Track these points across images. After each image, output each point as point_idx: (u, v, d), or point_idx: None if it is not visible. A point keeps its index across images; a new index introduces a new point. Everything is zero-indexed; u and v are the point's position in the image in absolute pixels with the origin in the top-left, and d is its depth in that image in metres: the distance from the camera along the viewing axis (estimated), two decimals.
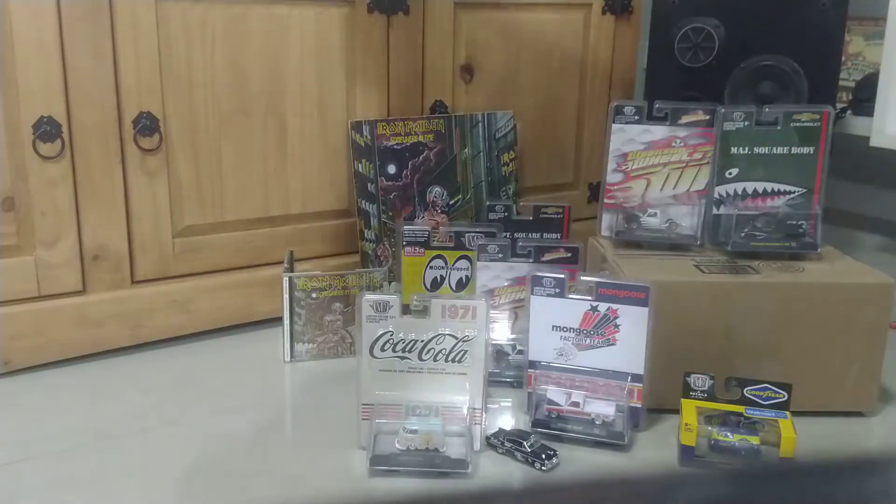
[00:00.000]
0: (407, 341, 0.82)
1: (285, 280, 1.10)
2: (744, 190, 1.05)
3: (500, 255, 1.05)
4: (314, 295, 1.11)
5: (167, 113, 1.10)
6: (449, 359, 0.83)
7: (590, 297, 0.91)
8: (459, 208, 1.35)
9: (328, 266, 1.25)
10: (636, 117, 1.08)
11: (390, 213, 1.29)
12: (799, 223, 1.02)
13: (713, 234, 1.07)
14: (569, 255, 1.04)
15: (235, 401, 0.99)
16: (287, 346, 1.11)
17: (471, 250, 1.12)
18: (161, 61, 1.08)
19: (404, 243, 1.13)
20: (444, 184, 1.34)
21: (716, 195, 1.06)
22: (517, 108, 1.42)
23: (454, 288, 1.15)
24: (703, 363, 0.92)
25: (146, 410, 0.97)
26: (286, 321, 1.10)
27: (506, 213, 1.28)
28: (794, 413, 0.88)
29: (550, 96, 1.47)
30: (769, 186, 1.04)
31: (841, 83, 1.96)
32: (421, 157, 1.31)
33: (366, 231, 1.27)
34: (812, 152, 1.03)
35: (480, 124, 1.37)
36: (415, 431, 0.81)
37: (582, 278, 0.92)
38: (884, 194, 1.99)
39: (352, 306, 1.11)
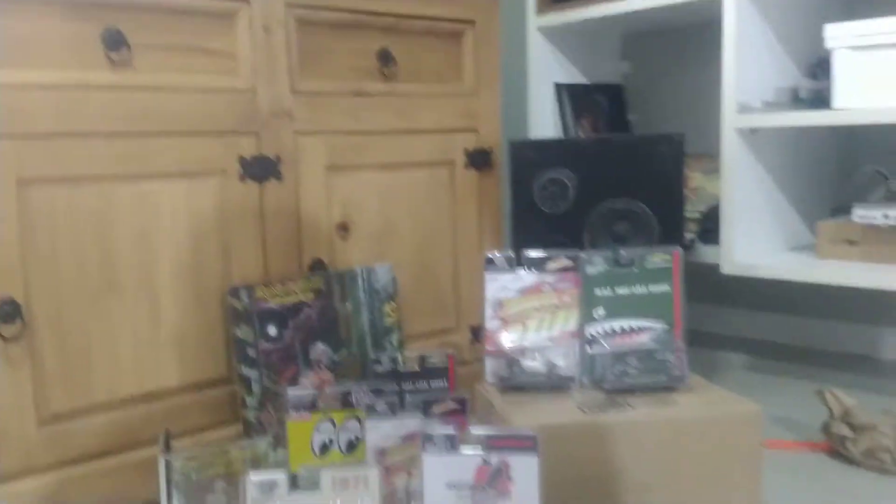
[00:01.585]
0: None
1: (161, 463, 1.04)
2: (612, 328, 1.11)
3: (390, 413, 1.05)
4: (194, 476, 1.05)
5: (30, 296, 1.06)
6: None
7: (481, 451, 0.91)
8: (345, 363, 1.35)
9: (209, 439, 1.20)
10: (507, 266, 1.14)
11: (273, 376, 1.26)
12: (665, 358, 1.08)
13: (590, 372, 1.11)
14: (457, 406, 1.05)
15: None
16: None
17: (359, 409, 1.11)
18: (23, 246, 1.05)
19: (290, 407, 1.11)
20: (327, 340, 1.33)
21: (588, 335, 1.11)
22: (395, 259, 1.46)
23: (344, 450, 1.12)
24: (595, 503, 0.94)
25: None
26: None
27: (392, 366, 1.28)
28: None
29: (426, 247, 1.52)
30: (634, 323, 1.11)
31: (687, 215, 2.15)
32: (302, 316, 1.31)
33: (247, 398, 1.24)
34: (668, 289, 1.11)
35: (360, 278, 1.39)
36: None
37: (472, 431, 0.93)
38: (741, 314, 2.14)
39: (235, 483, 1.06)
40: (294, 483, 0.80)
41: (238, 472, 1.07)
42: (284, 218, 1.32)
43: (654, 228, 1.49)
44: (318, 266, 1.36)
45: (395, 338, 1.43)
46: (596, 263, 1.11)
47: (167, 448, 1.11)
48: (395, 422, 1.05)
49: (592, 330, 1.11)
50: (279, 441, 1.14)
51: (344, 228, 1.40)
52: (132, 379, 1.15)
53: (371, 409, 1.04)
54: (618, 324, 1.11)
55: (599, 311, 1.11)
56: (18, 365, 1.04)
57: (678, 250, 1.11)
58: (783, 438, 1.36)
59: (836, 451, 1.28)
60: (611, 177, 1.51)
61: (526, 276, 1.14)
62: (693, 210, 2.09)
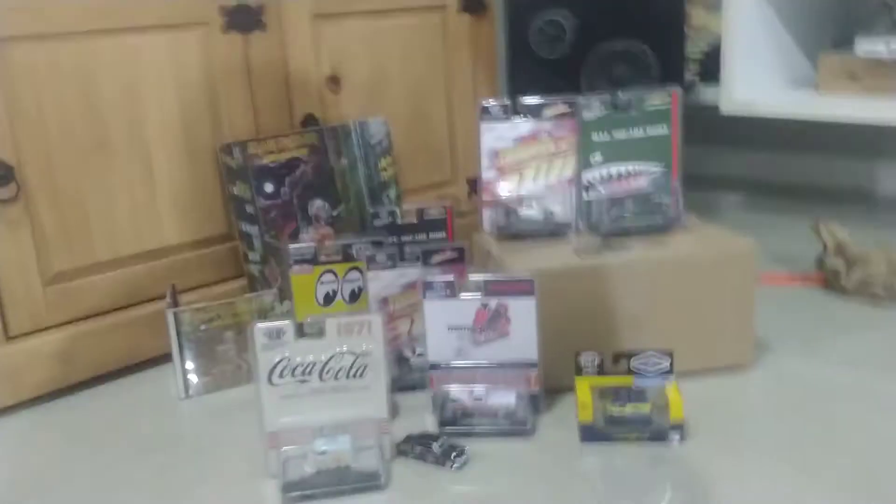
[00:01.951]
0: (305, 364, 0.82)
1: (170, 316, 1.07)
2: (608, 173, 1.11)
3: (390, 264, 1.06)
4: (203, 327, 1.09)
5: (21, 158, 1.05)
6: (350, 375, 0.83)
7: (480, 295, 0.94)
8: (344, 218, 1.35)
9: (215, 294, 1.23)
10: (503, 115, 1.12)
11: (273, 232, 1.27)
12: (662, 200, 1.09)
13: (587, 218, 1.12)
14: (456, 255, 1.07)
15: (132, 447, 0.96)
16: (181, 382, 1.08)
17: (360, 261, 1.13)
18: (8, 107, 1.03)
19: (291, 262, 1.12)
20: (325, 196, 1.33)
21: (584, 181, 1.11)
22: (388, 113, 1.43)
23: (347, 300, 1.15)
24: (593, 341, 0.97)
25: (42, 470, 0.92)
26: (176, 357, 1.08)
27: (390, 219, 1.29)
28: (681, 375, 0.94)
29: (419, 99, 1.49)
30: (631, 167, 1.10)
31: (689, 55, 2.08)
32: (298, 172, 1.30)
33: (250, 253, 1.26)
34: (666, 131, 1.09)
35: (354, 133, 1.37)
36: (323, 452, 0.81)
37: (471, 278, 0.95)
38: (739, 154, 2.13)
39: (244, 333, 1.10)
40: (300, 331, 0.82)
41: (245, 323, 1.11)
42: (272, 71, 1.28)
43: (653, 70, 1.46)
44: (310, 121, 1.34)
45: (392, 192, 1.43)
46: (593, 108, 1.09)
47: (175, 302, 1.14)
48: (396, 271, 1.07)
49: (589, 176, 1.11)
50: (284, 294, 1.16)
51: (335, 81, 1.37)
52: (132, 237, 1.16)
53: (371, 260, 1.06)
54: (615, 168, 1.11)
55: (597, 157, 1.10)
56: (17, 227, 1.05)
57: (677, 90, 1.09)
58: (778, 273, 1.39)
59: (830, 283, 1.31)
60: (610, 17, 1.45)
61: (522, 125, 1.12)
62: (695, 50, 2.02)
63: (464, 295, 0.94)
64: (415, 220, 1.28)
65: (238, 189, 1.24)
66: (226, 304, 1.10)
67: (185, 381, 1.09)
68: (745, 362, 1.05)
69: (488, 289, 0.94)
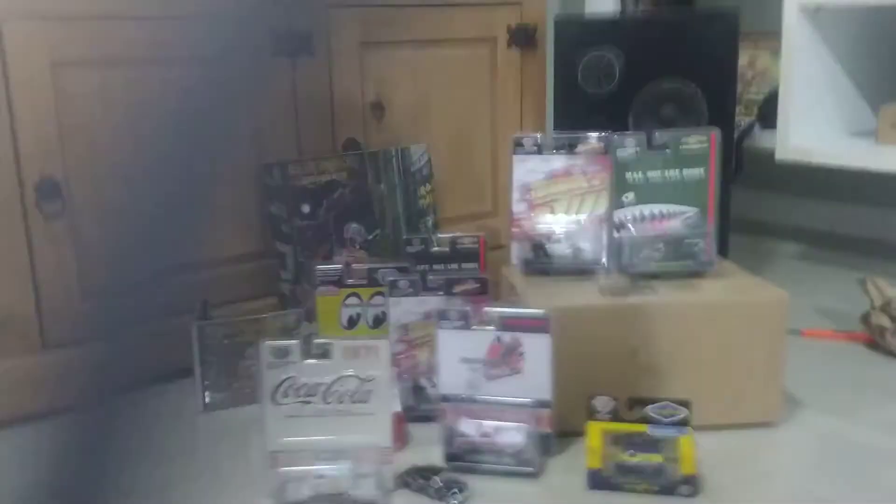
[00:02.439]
0: (310, 385, 0.83)
1: (194, 329, 1.09)
2: (641, 213, 1.08)
3: (411, 290, 1.06)
4: (226, 341, 1.10)
5: (69, 176, 1.09)
6: (354, 399, 0.83)
7: (494, 328, 0.93)
8: (378, 243, 1.36)
9: (246, 311, 1.24)
10: (535, 148, 1.11)
11: (307, 253, 1.29)
12: (695, 242, 1.06)
13: (616, 257, 1.10)
14: (478, 286, 1.06)
15: (140, 457, 0.98)
16: (199, 395, 1.10)
17: (384, 286, 1.13)
18: (60, 126, 1.07)
19: (318, 283, 1.13)
20: (361, 220, 1.34)
21: (616, 220, 1.09)
22: (430, 141, 1.44)
23: (371, 325, 1.15)
24: (610, 385, 0.95)
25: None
26: (198, 370, 1.10)
27: (423, 247, 1.29)
28: (704, 428, 0.91)
29: (464, 129, 1.49)
30: (665, 209, 1.08)
31: (752, 97, 2.04)
32: (336, 195, 1.32)
33: (282, 272, 1.27)
34: (702, 174, 1.07)
35: (395, 159, 1.38)
36: (321, 476, 0.81)
37: (487, 310, 0.94)
38: (797, 203, 2.07)
39: None
40: (307, 352, 0.83)
41: (269, 338, 1.12)
42: (317, 95, 1.31)
43: (702, 111, 1.43)
44: (351, 146, 1.36)
45: (429, 220, 1.43)
46: (628, 146, 1.07)
47: (205, 316, 1.16)
48: (417, 300, 1.06)
49: (621, 215, 1.09)
50: (310, 314, 1.17)
51: (378, 108, 1.39)
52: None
53: (394, 286, 1.06)
54: (648, 209, 1.08)
55: (629, 196, 1.08)
56: (60, 242, 1.09)
57: (715, 132, 1.06)
58: (823, 328, 1.34)
59: (875, 342, 1.25)
60: (660, 56, 1.44)
61: (555, 159, 1.11)
62: (758, 92, 1.98)
63: (478, 327, 0.93)
64: (447, 250, 1.28)
65: (275, 208, 1.26)
66: (251, 320, 1.12)
67: (204, 394, 1.10)
68: (772, 419, 1.01)
69: (502, 323, 0.93)
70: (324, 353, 0.82)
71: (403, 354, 1.06)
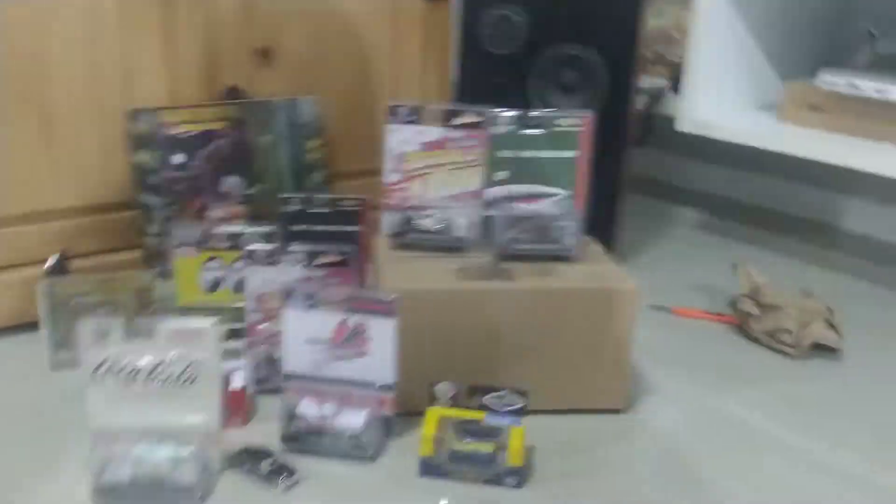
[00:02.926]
0: (133, 366, 0.80)
1: (42, 285, 1.04)
2: (512, 192, 1.06)
3: (270, 260, 1.03)
4: (77, 300, 1.06)
5: None
6: (180, 381, 0.81)
7: (341, 310, 0.91)
8: (259, 198, 1.32)
9: (108, 264, 1.20)
10: (411, 118, 1.07)
11: (177, 206, 1.24)
12: (561, 226, 1.05)
13: (485, 235, 1.08)
14: (342, 258, 1.03)
15: None
16: (49, 353, 1.06)
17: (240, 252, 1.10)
18: None
19: (175, 243, 1.09)
20: (241, 173, 1.29)
21: (487, 197, 1.07)
22: (324, 93, 1.38)
23: (234, 289, 1.12)
24: (463, 370, 0.94)
25: None
26: (45, 329, 1.06)
27: (301, 206, 1.25)
28: (555, 412, 0.92)
29: (361, 82, 1.44)
30: (536, 189, 1.06)
31: (672, 58, 2.01)
32: (213, 146, 1.26)
33: (148, 226, 1.22)
34: (574, 156, 1.05)
35: (282, 110, 1.33)
36: (141, 459, 0.79)
37: (332, 291, 0.92)
38: (704, 169, 2.08)
39: (119, 311, 1.07)
40: (130, 333, 0.80)
41: (122, 300, 1.08)
42: (197, 37, 1.23)
43: (602, 78, 1.40)
44: (234, 94, 1.30)
45: (318, 175, 1.39)
46: (502, 123, 1.04)
47: (62, 269, 1.11)
48: (277, 269, 1.03)
49: (493, 193, 1.07)
50: (168, 274, 1.14)
51: (265, 54, 1.32)
52: (24, 195, 1.13)
53: (251, 255, 1.03)
54: (519, 188, 1.06)
55: (501, 174, 1.06)
56: None
57: (589, 115, 1.04)
58: (699, 307, 1.36)
59: (741, 327, 1.27)
60: (566, 18, 1.39)
61: (430, 131, 1.08)
62: (676, 54, 1.95)
63: (324, 308, 0.91)
64: (327, 211, 1.25)
65: (142, 157, 1.20)
66: (103, 279, 1.07)
67: (54, 353, 1.07)
68: (619, 406, 1.02)
69: (349, 305, 0.91)
70: (147, 335, 0.79)
71: (259, 324, 1.04)
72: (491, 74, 1.43)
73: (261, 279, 1.04)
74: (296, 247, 1.04)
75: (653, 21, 2.11)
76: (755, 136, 1.50)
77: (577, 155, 1.05)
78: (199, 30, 1.23)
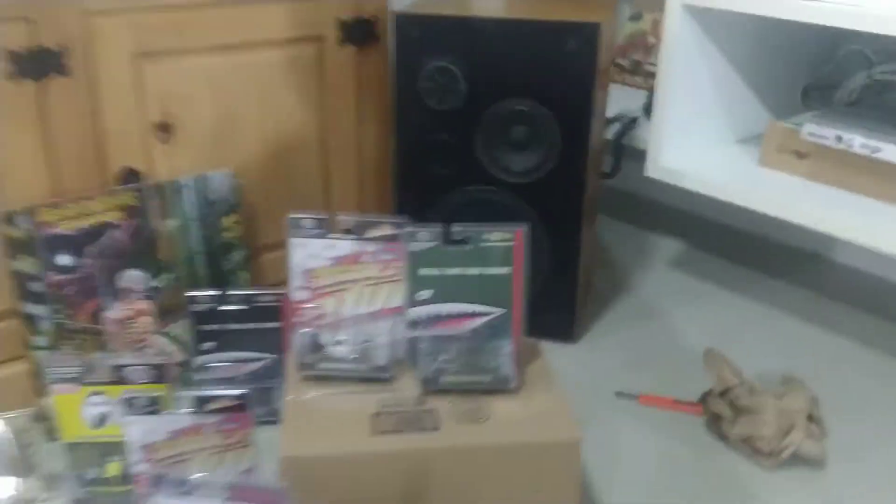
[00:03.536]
0: None
1: None
2: (438, 313, 0.91)
3: (151, 408, 0.88)
4: None
5: None
6: None
7: (221, 500, 0.76)
8: (167, 290, 1.17)
9: None
10: (318, 230, 0.92)
11: (69, 312, 1.09)
12: (495, 350, 0.90)
13: (409, 358, 0.93)
14: (237, 404, 0.89)
15: None
16: None
17: (136, 384, 0.95)
18: None
19: (51, 378, 0.94)
20: (142, 265, 1.14)
21: (410, 318, 0.92)
22: (240, 163, 1.22)
23: None
24: None
25: None
26: None
27: (213, 304, 1.11)
28: None
29: (285, 146, 1.27)
30: (465, 308, 0.91)
31: (652, 68, 1.84)
32: (105, 239, 1.11)
33: (35, 338, 1.08)
34: (507, 272, 0.89)
35: (187, 189, 1.17)
36: None
37: (208, 479, 0.77)
38: (686, 194, 1.92)
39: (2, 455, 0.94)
40: None
41: None
42: (80, 122, 1.07)
43: (555, 135, 1.24)
44: (130, 177, 1.14)
45: (237, 255, 1.24)
46: (422, 239, 0.89)
47: None
48: (163, 418, 0.89)
49: (416, 313, 0.92)
50: (43, 416, 0.99)
51: (164, 129, 1.15)
52: None
53: (130, 402, 0.88)
54: (447, 308, 0.91)
55: (424, 294, 0.91)
56: None
57: (521, 229, 0.88)
58: (670, 384, 1.22)
59: (712, 425, 1.13)
60: (513, 69, 1.22)
61: (342, 244, 0.92)
62: (653, 63, 1.77)
63: (201, 496, 0.77)
64: (244, 307, 1.10)
65: (21, 264, 1.05)
66: None
67: None
68: None
69: (230, 494, 0.76)
70: None
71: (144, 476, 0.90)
72: (434, 131, 1.26)
73: (143, 429, 0.89)
74: (183, 393, 0.89)
75: (629, 26, 1.93)
76: (731, 191, 1.33)
77: (510, 271, 0.89)
78: (81, 111, 1.06)
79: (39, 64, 1.00)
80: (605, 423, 1.15)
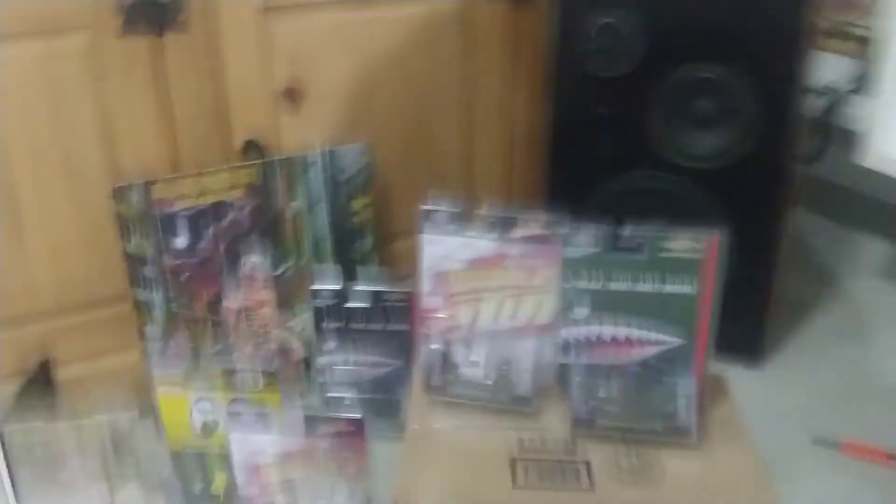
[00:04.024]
0: None
1: None
2: (598, 336, 0.73)
3: (259, 425, 0.76)
4: (39, 450, 0.85)
5: None
6: None
7: None
8: (292, 279, 1.05)
9: (107, 368, 0.98)
10: (453, 225, 0.75)
11: (183, 300, 0.99)
12: (671, 390, 0.71)
13: (561, 386, 0.76)
14: (353, 428, 0.75)
15: None
16: None
17: (246, 391, 0.84)
18: None
19: (155, 381, 0.85)
20: (265, 250, 1.03)
21: (562, 339, 0.74)
22: (374, 135, 1.08)
23: None
24: None
25: None
26: (6, 483, 0.85)
27: (336, 299, 0.98)
28: None
29: (424, 115, 1.12)
30: (633, 333, 0.72)
31: (860, 32, 1.54)
32: (226, 220, 1.00)
33: (148, 326, 0.99)
34: (692, 292, 0.70)
35: (316, 164, 1.04)
36: None
37: None
38: None
39: (97, 459, 0.86)
40: None
41: (95, 447, 0.86)
42: (199, 85, 0.96)
43: (751, 111, 1.00)
44: (253, 151, 1.02)
45: (366, 242, 1.10)
46: (581, 243, 0.70)
47: (47, 380, 0.91)
48: (271, 438, 0.77)
49: (569, 333, 0.74)
50: (149, 412, 0.90)
51: (291, 96, 1.02)
52: None
53: (237, 418, 0.76)
54: (610, 331, 0.73)
55: (581, 312, 0.73)
56: None
57: (716, 236, 0.68)
58: (877, 430, 0.98)
59: None
60: (698, 26, 1.00)
61: (480, 245, 0.75)
62: (860, 24, 1.47)
63: None
64: (368, 305, 0.97)
65: (135, 245, 0.96)
66: (68, 426, 0.85)
67: None
68: None
69: None
70: None
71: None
72: (594, 103, 1.07)
73: (249, 450, 0.77)
74: (293, 411, 0.77)
75: None
76: None
77: (697, 291, 0.70)
78: (200, 73, 0.95)
79: (153, 19, 0.90)
80: (799, 477, 0.92)
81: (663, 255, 0.69)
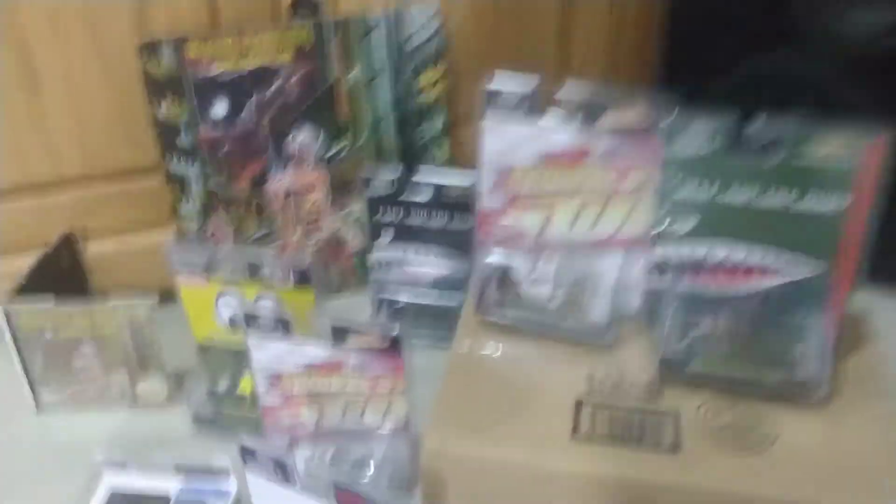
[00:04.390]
0: None
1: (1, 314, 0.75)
2: (704, 259, 0.57)
3: (278, 330, 0.65)
4: (48, 335, 0.77)
5: None
6: None
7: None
8: (346, 159, 0.92)
9: (135, 247, 0.89)
10: (523, 107, 0.59)
11: (224, 176, 0.88)
12: (798, 332, 0.55)
13: (648, 319, 0.60)
14: (387, 345, 0.62)
15: None
16: (29, 395, 0.80)
17: (273, 285, 0.72)
18: None
19: (175, 267, 0.74)
20: (317, 125, 0.89)
21: (656, 257, 0.58)
22: None
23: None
24: None
25: None
26: (18, 365, 0.78)
27: (391, 189, 0.84)
28: None
29: None
30: (752, 258, 0.55)
31: None
32: (272, 89, 0.86)
33: (183, 202, 0.88)
34: (838, 210, 0.52)
35: (380, 29, 0.88)
36: None
37: (315, 471, 0.52)
38: None
39: (110, 349, 0.77)
40: None
41: (111, 334, 0.77)
42: None
43: None
44: (304, 8, 0.86)
45: (436, 123, 0.95)
46: (692, 136, 0.53)
47: (74, 256, 0.83)
48: (290, 345, 0.65)
49: (667, 252, 0.58)
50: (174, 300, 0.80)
51: None
52: (12, 167, 0.83)
53: (254, 322, 0.65)
54: (721, 251, 0.56)
55: (686, 224, 0.56)
56: None
57: (881, 140, 0.49)
58: None
59: None
60: None
61: (557, 136, 0.59)
62: None
63: (301, 489, 0.52)
64: (423, 199, 0.83)
65: (166, 111, 0.84)
66: (79, 311, 0.76)
67: (35, 393, 0.80)
68: None
69: (338, 497, 0.51)
70: None
71: (277, 411, 0.68)
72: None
73: (268, 356, 0.66)
74: (321, 319, 0.64)
75: None
76: None
77: (845, 208, 0.52)
78: None
79: None
80: None
81: (804, 161, 0.51)
